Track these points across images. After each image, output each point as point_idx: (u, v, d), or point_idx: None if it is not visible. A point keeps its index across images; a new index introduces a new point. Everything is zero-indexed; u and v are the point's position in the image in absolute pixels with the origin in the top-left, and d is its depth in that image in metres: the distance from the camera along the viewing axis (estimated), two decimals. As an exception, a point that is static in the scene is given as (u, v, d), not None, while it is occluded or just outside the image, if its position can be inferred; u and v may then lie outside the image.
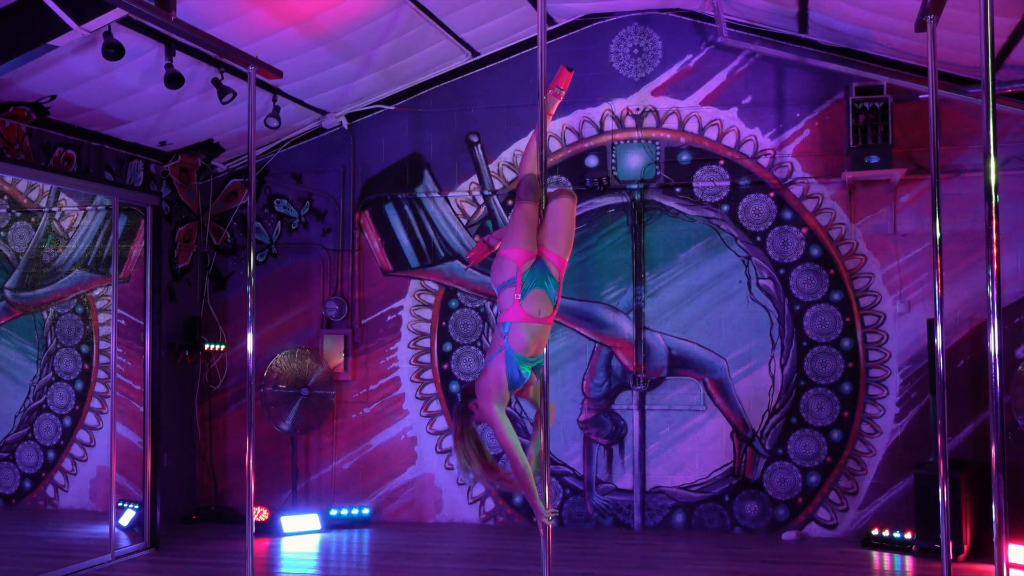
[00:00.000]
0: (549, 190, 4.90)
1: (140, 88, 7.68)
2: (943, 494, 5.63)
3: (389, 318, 9.57)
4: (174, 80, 7.20)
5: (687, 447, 8.88)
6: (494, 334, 5.01)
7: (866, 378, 8.59)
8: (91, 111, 7.98)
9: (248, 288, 6.37)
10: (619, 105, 9.12)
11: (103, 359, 9.19)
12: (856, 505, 8.56)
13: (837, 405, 8.63)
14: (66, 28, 6.26)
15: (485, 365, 4.72)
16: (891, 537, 8.09)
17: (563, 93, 5.12)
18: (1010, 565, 4.34)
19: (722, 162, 8.92)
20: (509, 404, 4.78)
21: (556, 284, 4.73)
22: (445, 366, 9.43)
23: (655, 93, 9.07)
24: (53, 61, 6.90)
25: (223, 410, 9.87)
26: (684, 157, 8.99)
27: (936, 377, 5.95)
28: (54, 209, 9.24)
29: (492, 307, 9.29)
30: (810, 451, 8.66)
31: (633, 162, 9.09)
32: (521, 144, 9.29)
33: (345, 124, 9.58)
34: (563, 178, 9.12)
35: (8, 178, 8.94)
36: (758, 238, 8.83)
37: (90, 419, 9.23)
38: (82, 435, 9.22)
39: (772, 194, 8.82)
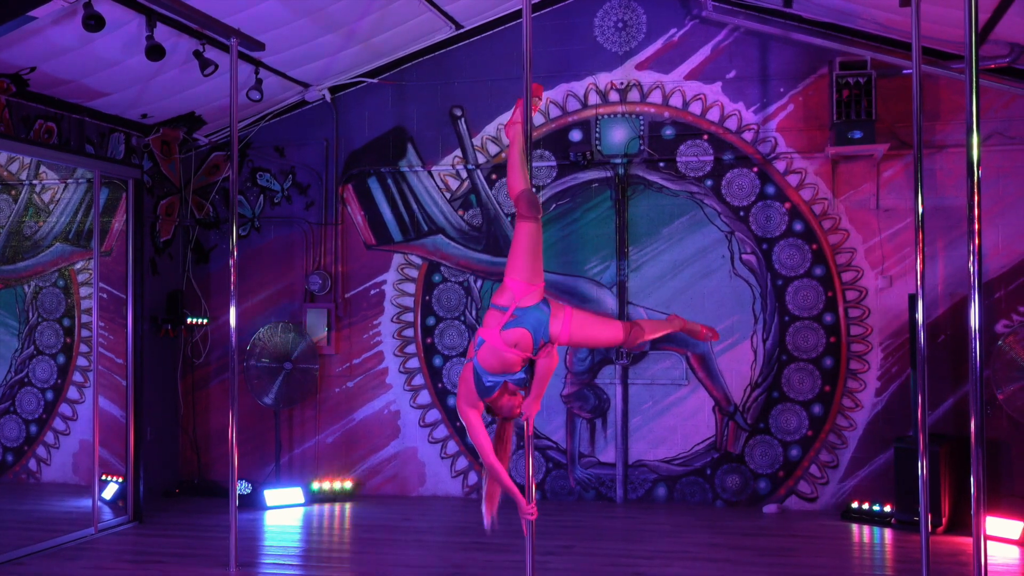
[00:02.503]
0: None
1: (121, 60, 7.61)
2: (922, 467, 5.69)
3: (372, 292, 9.56)
4: (155, 52, 7.12)
5: (669, 421, 8.93)
6: (473, 336, 5.02)
7: (847, 353, 8.64)
8: (71, 83, 7.91)
9: (231, 262, 6.35)
10: (603, 79, 9.10)
11: (85, 333, 9.15)
12: (836, 478, 8.63)
13: (819, 379, 8.69)
14: (45, -2, 6.20)
15: (463, 365, 4.88)
16: (871, 510, 8.17)
17: (539, 103, 5.32)
18: (987, 537, 4.40)
19: (706, 137, 8.92)
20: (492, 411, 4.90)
21: (548, 339, 4.78)
22: (428, 340, 9.44)
23: (639, 67, 9.05)
24: (33, 32, 6.82)
25: (206, 384, 9.85)
26: (668, 131, 8.98)
27: (917, 352, 6.00)
28: (34, 182, 9.16)
29: (476, 281, 9.29)
30: (791, 425, 8.72)
31: (617, 136, 9.07)
32: (505, 118, 9.26)
33: (328, 97, 9.52)
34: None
35: (-13, 150, 8.87)
36: (741, 213, 8.85)
37: (72, 393, 9.20)
38: (64, 409, 9.19)
39: (755, 169, 8.83)
